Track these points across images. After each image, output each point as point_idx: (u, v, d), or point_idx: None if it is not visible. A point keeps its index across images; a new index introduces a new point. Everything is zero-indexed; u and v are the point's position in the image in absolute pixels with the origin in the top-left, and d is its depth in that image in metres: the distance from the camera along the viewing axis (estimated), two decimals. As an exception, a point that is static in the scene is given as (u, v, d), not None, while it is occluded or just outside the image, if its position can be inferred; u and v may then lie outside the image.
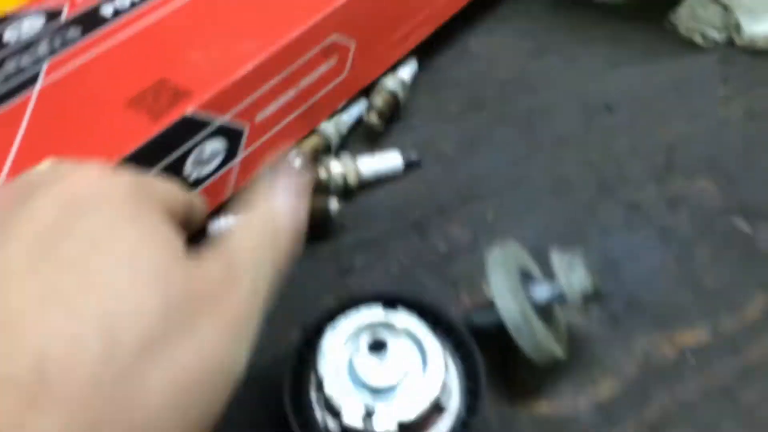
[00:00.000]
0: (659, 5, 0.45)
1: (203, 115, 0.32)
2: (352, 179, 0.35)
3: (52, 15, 0.39)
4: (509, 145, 0.38)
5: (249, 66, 0.33)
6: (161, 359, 0.16)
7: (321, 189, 0.35)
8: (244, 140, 0.34)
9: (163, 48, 0.35)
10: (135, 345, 0.16)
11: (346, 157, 0.35)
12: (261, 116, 0.34)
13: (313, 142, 0.36)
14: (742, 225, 0.34)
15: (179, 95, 0.32)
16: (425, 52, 0.42)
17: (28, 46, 0.37)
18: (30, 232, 0.17)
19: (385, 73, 0.39)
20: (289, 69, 0.34)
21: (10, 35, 0.38)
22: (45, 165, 0.20)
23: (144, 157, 0.30)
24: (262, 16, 0.35)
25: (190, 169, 0.32)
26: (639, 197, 0.35)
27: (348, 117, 0.38)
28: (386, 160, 0.36)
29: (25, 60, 0.36)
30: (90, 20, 0.38)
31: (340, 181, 0.35)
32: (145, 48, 0.35)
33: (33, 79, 0.35)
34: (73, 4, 0.39)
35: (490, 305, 0.28)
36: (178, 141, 0.31)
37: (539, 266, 0.30)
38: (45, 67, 0.35)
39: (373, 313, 0.27)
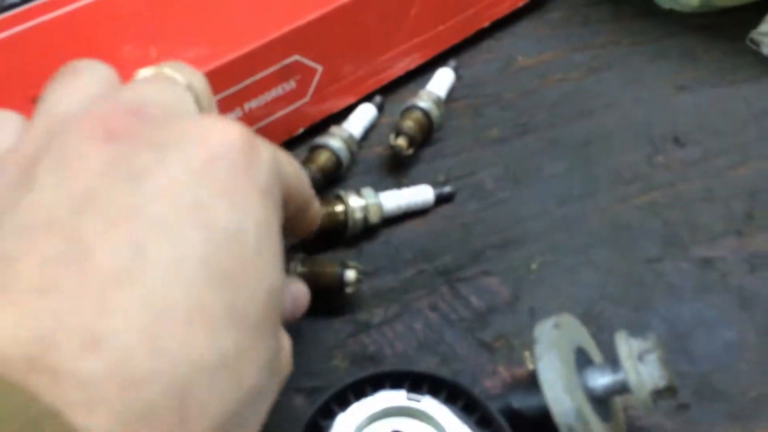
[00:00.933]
0: (741, 18, 0.39)
1: None
2: (373, 217, 0.30)
3: None
4: (561, 180, 0.32)
5: None
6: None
7: (338, 229, 0.30)
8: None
9: (95, 35, 0.30)
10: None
11: (367, 190, 0.30)
12: None
13: (321, 159, 0.31)
14: (840, 294, 0.29)
15: None
16: (465, 62, 0.37)
17: None
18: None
19: (415, 80, 0.34)
20: (235, 87, 0.30)
21: None
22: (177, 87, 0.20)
23: None
24: (216, 23, 0.30)
25: None
26: (714, 253, 0.30)
27: (357, 130, 0.33)
28: (415, 194, 0.31)
29: None
30: None
31: (359, 217, 0.30)
32: (78, 32, 0.30)
33: None
34: None
35: (533, 384, 0.23)
36: None
37: (594, 335, 0.25)
38: None
39: (393, 396, 0.22)
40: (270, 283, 0.17)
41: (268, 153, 0.19)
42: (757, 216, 0.31)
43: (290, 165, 0.21)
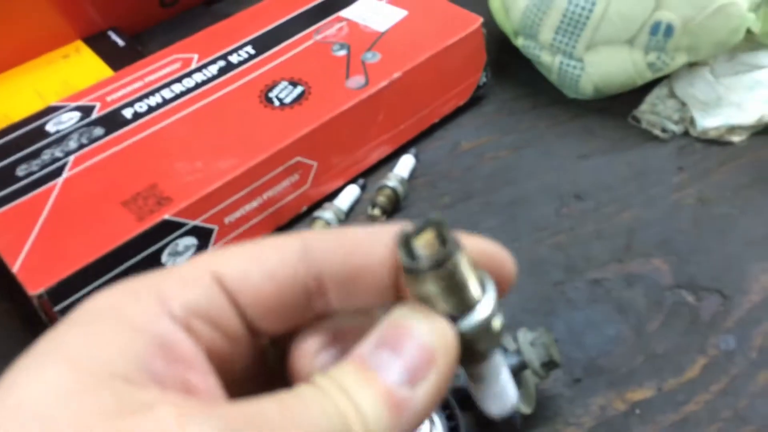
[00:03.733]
0: (625, 101, 0.52)
1: (180, 218, 0.40)
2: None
3: (86, 111, 0.47)
4: (493, 232, 0.45)
5: (223, 181, 0.41)
6: None
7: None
8: (213, 237, 0.42)
9: (159, 155, 0.44)
10: None
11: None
12: (229, 219, 0.43)
13: (318, 228, 0.44)
14: (689, 298, 0.41)
15: (162, 200, 0.40)
16: (423, 148, 0.50)
17: (62, 138, 0.45)
18: None
19: (389, 162, 0.47)
20: (256, 183, 0.43)
21: (51, 126, 0.46)
22: None
23: (128, 250, 0.39)
24: (238, 138, 0.44)
25: (166, 258, 0.41)
26: (602, 275, 0.42)
27: (344, 205, 0.46)
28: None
29: (58, 151, 0.44)
30: (113, 121, 0.46)
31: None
32: (147, 152, 0.44)
33: (60, 170, 0.43)
34: (104, 104, 0.47)
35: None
36: (157, 238, 0.40)
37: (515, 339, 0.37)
38: (71, 160, 0.44)
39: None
40: None
41: None
42: (633, 248, 0.44)
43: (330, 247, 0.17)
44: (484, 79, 0.53)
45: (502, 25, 0.53)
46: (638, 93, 0.51)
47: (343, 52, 0.50)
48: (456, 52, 0.50)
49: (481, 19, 0.51)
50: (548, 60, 0.51)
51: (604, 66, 0.49)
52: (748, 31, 0.47)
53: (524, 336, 0.34)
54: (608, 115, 0.52)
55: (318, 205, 0.47)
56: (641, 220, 0.45)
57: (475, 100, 0.54)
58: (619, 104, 0.52)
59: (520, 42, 0.52)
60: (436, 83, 0.50)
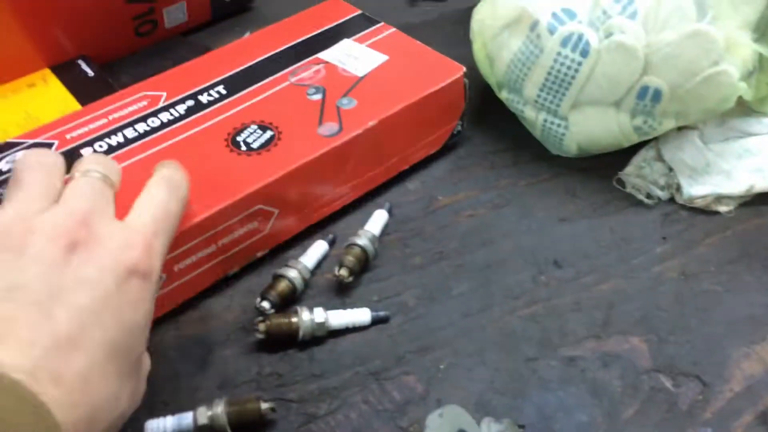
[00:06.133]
0: (610, 161, 0.50)
1: None
2: (321, 331, 0.40)
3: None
4: (465, 298, 0.43)
5: (179, 229, 0.38)
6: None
7: (291, 334, 0.40)
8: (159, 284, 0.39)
9: (121, 197, 0.41)
10: None
11: (318, 309, 0.40)
12: (179, 267, 0.40)
13: (280, 287, 0.41)
14: (667, 383, 0.38)
15: None
16: (397, 203, 0.48)
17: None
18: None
19: (357, 217, 0.45)
20: (213, 231, 0.41)
21: (4, 165, 0.43)
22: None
23: None
24: (200, 183, 0.41)
25: None
26: (577, 353, 0.40)
27: (311, 263, 0.43)
28: (356, 315, 0.41)
29: None
30: (70, 161, 0.41)
31: (309, 329, 0.40)
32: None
33: None
34: (62, 142, 0.44)
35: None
36: None
37: (480, 419, 0.35)
38: None
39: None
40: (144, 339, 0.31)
41: (160, 248, 0.33)
42: (612, 323, 0.41)
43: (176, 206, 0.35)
44: (458, 128, 0.51)
45: (487, 77, 0.51)
46: (624, 153, 0.49)
47: (318, 96, 0.48)
48: (435, 100, 0.48)
49: (463, 69, 0.49)
50: (532, 116, 0.49)
51: (589, 126, 0.47)
52: (740, 99, 0.45)
53: (488, 428, 0.32)
54: (592, 176, 0.50)
55: (274, 251, 0.44)
56: (621, 292, 0.43)
57: (452, 149, 0.51)
58: (604, 164, 0.50)
59: (503, 95, 0.50)
60: (410, 131, 0.48)
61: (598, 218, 0.47)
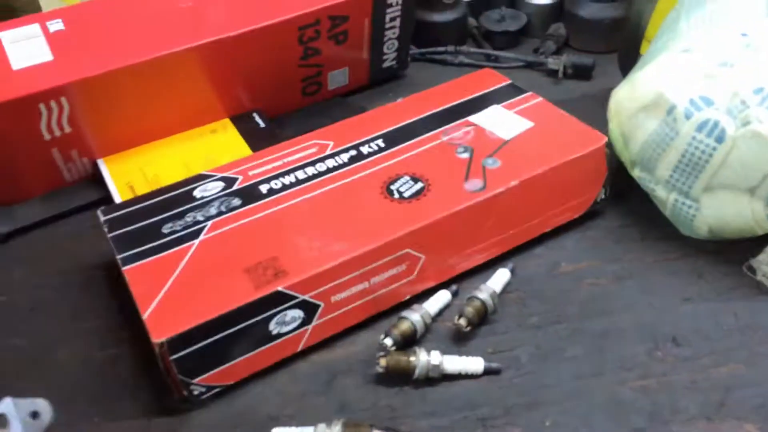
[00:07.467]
0: (742, 247, 0.50)
1: (292, 291, 0.43)
2: (435, 372, 0.43)
3: (229, 182, 0.52)
4: (578, 361, 0.44)
5: (336, 261, 0.44)
6: None
7: (408, 371, 0.43)
8: (318, 312, 0.45)
9: (284, 230, 0.47)
10: None
11: (435, 352, 0.44)
12: (335, 298, 0.45)
13: (403, 327, 0.45)
14: (782, 475, 0.37)
15: (279, 273, 0.43)
16: (521, 263, 0.51)
17: (205, 204, 0.50)
18: None
19: (480, 272, 0.48)
20: (365, 268, 0.45)
21: (198, 192, 0.51)
22: None
23: (241, 314, 0.42)
24: (356, 224, 0.47)
25: (273, 326, 0.44)
26: (686, 430, 0.40)
27: (433, 309, 0.47)
28: (470, 363, 0.44)
29: (200, 215, 0.49)
30: (250, 194, 0.50)
31: (425, 369, 0.43)
32: (274, 226, 0.47)
33: (198, 232, 0.47)
34: (245, 178, 0.52)
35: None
36: (269, 307, 0.43)
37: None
38: (210, 224, 0.48)
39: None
40: None
41: None
42: (727, 406, 0.41)
43: None
44: (602, 195, 0.53)
45: (620, 154, 0.53)
46: (758, 239, 0.49)
47: (466, 155, 0.52)
48: (577, 166, 0.51)
49: (605, 138, 0.52)
50: (663, 195, 0.50)
51: (722, 210, 0.48)
52: None
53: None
54: (721, 260, 0.50)
55: (421, 296, 0.48)
56: (740, 377, 0.42)
57: (583, 219, 0.53)
58: (735, 249, 0.50)
59: (636, 173, 0.52)
60: (552, 194, 0.51)
61: (724, 302, 0.47)
